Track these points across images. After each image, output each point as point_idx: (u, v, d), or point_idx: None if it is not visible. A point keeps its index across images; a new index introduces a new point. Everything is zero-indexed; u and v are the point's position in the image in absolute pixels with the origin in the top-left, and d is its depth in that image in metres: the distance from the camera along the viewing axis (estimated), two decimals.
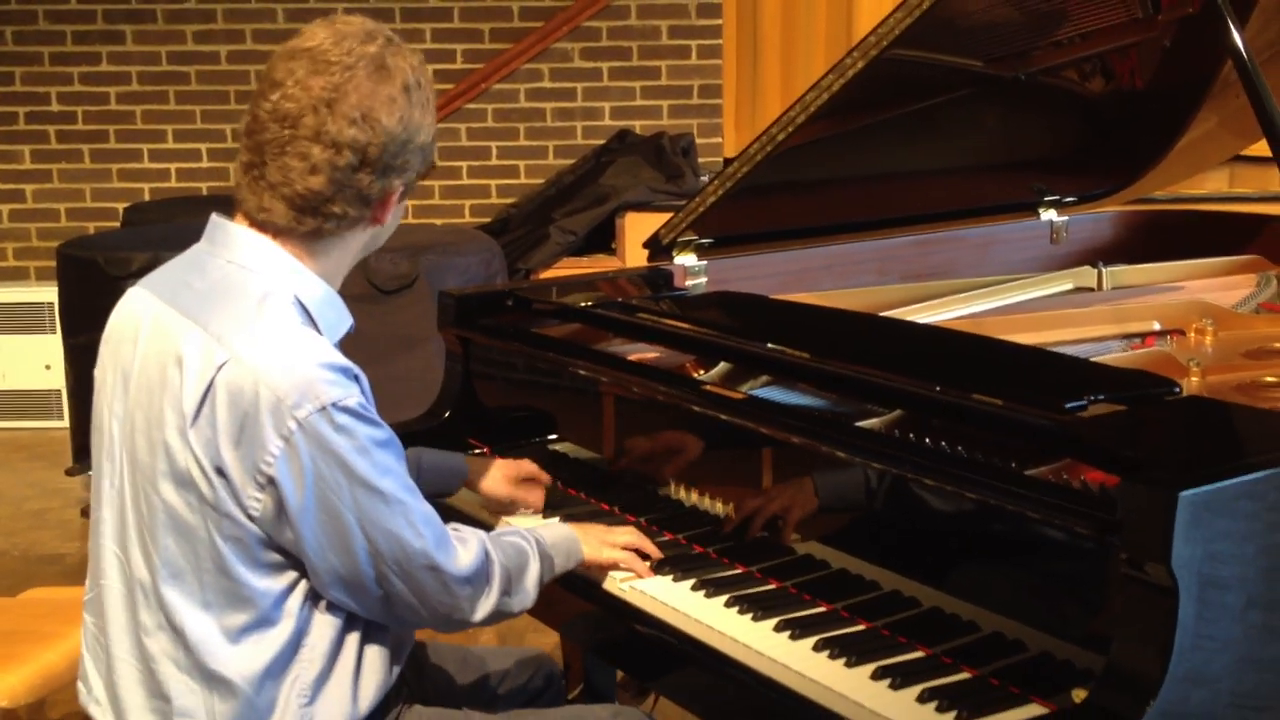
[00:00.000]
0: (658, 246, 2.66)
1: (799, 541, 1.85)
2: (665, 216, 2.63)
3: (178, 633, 1.58)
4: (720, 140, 5.83)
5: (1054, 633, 1.54)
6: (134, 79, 5.77)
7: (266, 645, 1.58)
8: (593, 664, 2.52)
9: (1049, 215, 3.15)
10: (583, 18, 5.64)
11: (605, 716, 1.84)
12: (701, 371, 2.15)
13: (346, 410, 1.53)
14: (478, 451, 2.38)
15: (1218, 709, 1.41)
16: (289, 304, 1.59)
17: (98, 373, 1.70)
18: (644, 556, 1.88)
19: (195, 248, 1.68)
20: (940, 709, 1.48)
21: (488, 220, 5.60)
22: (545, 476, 2.14)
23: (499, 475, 2.10)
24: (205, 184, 5.79)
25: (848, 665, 1.60)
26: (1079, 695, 1.44)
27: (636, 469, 2.14)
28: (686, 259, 2.65)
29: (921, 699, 1.51)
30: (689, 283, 2.64)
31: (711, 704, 1.74)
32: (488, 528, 1.87)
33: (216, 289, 1.60)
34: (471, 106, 5.75)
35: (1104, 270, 2.94)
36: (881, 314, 2.55)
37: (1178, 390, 1.70)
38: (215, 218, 1.67)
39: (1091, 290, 2.93)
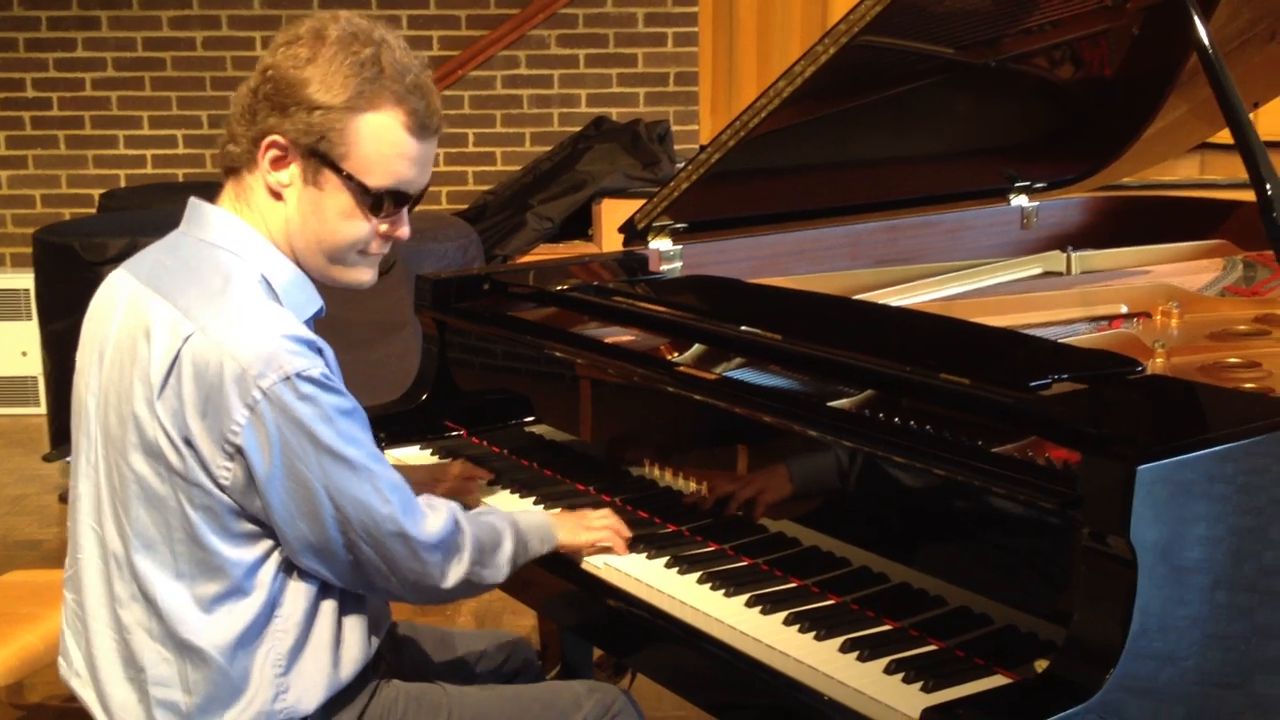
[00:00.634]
0: (633, 231, 2.68)
1: (771, 520, 1.88)
2: (641, 203, 2.66)
3: (151, 603, 1.62)
4: (696, 127, 5.86)
5: (1019, 606, 1.57)
6: (109, 65, 5.76)
7: (239, 615, 1.61)
8: (570, 644, 2.55)
9: (1019, 201, 3.19)
10: (559, 5, 5.65)
11: (580, 692, 1.86)
12: (676, 354, 2.18)
13: (310, 380, 1.56)
14: (454, 434, 2.41)
15: (1185, 685, 1.44)
16: (255, 281, 1.63)
17: (78, 354, 1.73)
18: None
19: (175, 230, 1.72)
20: (907, 679, 1.52)
21: (465, 207, 5.62)
22: (482, 473, 2.18)
23: (437, 476, 2.13)
24: (181, 170, 5.79)
25: (817, 638, 1.63)
26: (1041, 666, 1.48)
27: (611, 450, 2.17)
28: (661, 244, 2.68)
29: (889, 670, 1.54)
30: (664, 267, 2.66)
31: (685, 678, 1.76)
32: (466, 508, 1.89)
33: (187, 265, 1.65)
34: (448, 93, 5.75)
35: (1073, 255, 2.98)
36: (853, 297, 2.58)
37: (1141, 369, 1.74)
38: (194, 200, 1.71)
39: (1060, 275, 2.97)
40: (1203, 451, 1.40)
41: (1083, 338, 2.32)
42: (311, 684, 1.65)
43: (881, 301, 2.61)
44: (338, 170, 1.63)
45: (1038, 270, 2.98)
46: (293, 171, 1.64)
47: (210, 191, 1.73)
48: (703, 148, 2.54)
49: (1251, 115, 2.34)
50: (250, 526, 1.61)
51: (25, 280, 5.24)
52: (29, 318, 5.34)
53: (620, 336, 2.29)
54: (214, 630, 1.60)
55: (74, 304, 1.81)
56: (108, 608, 1.66)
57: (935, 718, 1.39)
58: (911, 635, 1.63)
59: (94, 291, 1.75)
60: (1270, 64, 2.97)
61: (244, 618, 1.61)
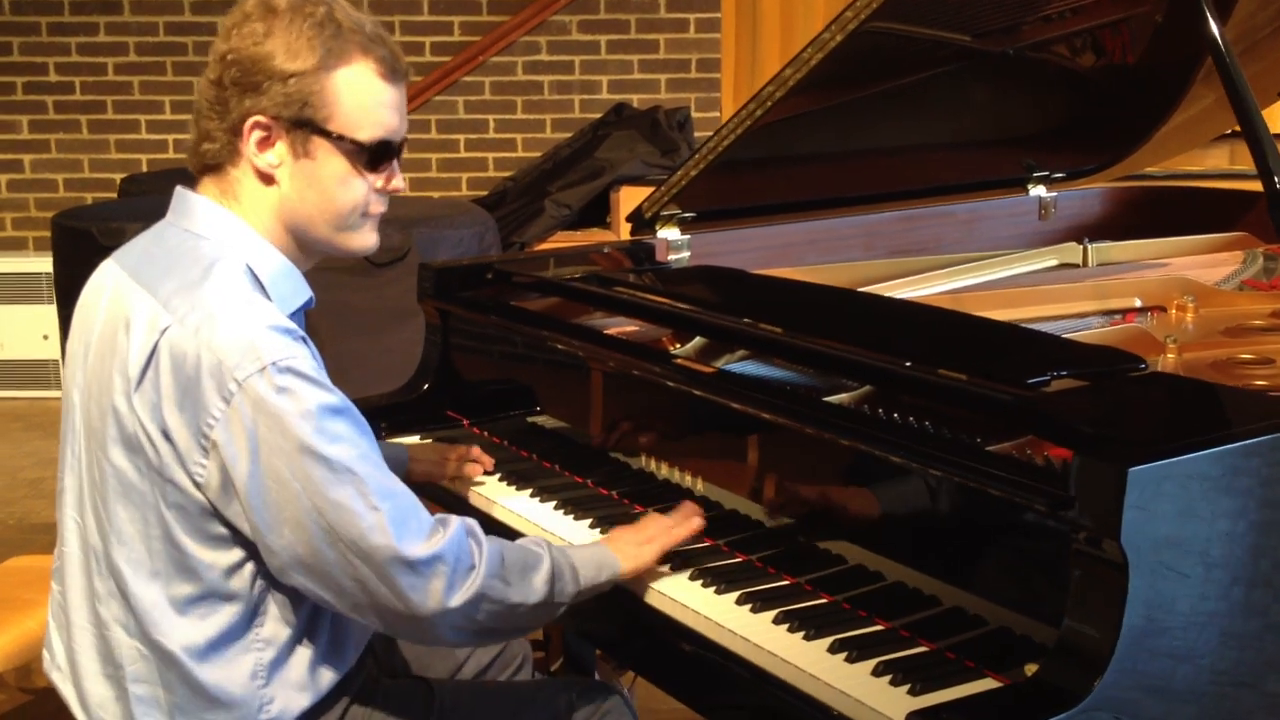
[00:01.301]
0: (640, 220, 2.65)
1: (765, 516, 1.85)
2: None
3: (127, 600, 1.58)
4: (718, 114, 5.82)
5: (1013, 608, 1.54)
6: (131, 50, 5.77)
7: (214, 620, 1.57)
8: (573, 637, 2.53)
9: (1038, 191, 3.14)
10: None
11: (572, 690, 1.84)
12: (677, 346, 2.15)
13: (289, 370, 1.50)
14: (455, 424, 2.39)
15: (1200, 684, 1.42)
16: (238, 271, 1.58)
17: (68, 344, 1.71)
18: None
19: (162, 220, 1.69)
20: (894, 681, 1.49)
21: (485, 194, 5.60)
22: (487, 460, 2.16)
23: (438, 457, 2.12)
24: None
25: (806, 638, 1.60)
26: (1032, 670, 1.44)
27: (610, 443, 2.15)
28: (669, 233, 2.65)
29: (876, 671, 1.51)
30: (671, 257, 2.63)
31: (673, 676, 1.74)
32: (502, 530, 1.82)
33: (170, 255, 1.61)
34: (469, 79, 5.74)
35: (1089, 247, 2.93)
36: (862, 289, 2.55)
37: (1143, 366, 1.70)
38: (179, 189, 1.67)
39: (1076, 266, 2.92)
40: (1197, 453, 1.36)
41: (1094, 332, 2.28)
42: (294, 695, 1.61)
43: (892, 293, 2.58)
44: (326, 134, 1.60)
45: (1053, 262, 2.94)
46: (280, 150, 1.60)
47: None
48: (710, 136, 2.51)
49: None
50: (223, 529, 1.55)
51: (47, 264, 5.25)
52: (51, 301, 5.37)
53: (622, 327, 2.27)
54: (186, 633, 1.56)
55: None
56: (88, 602, 1.64)
57: None
58: (902, 636, 1.60)
59: None
60: None
61: (219, 623, 1.57)
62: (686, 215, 2.64)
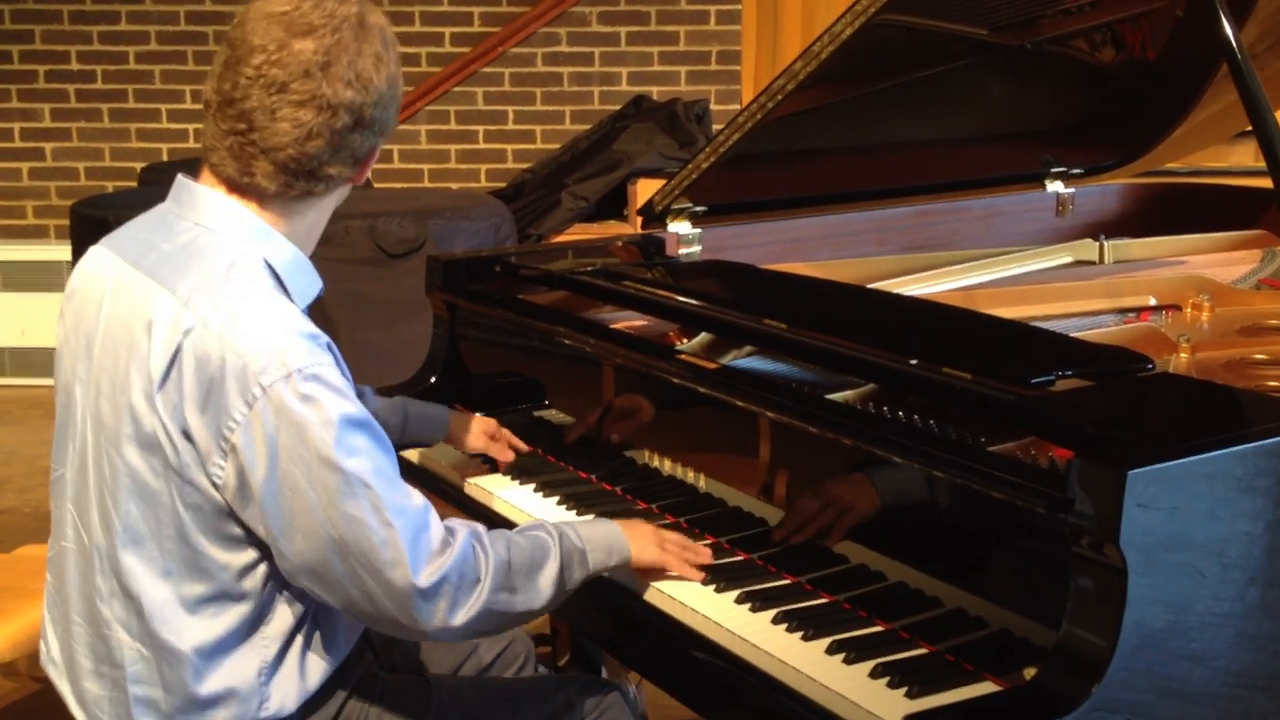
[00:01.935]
0: (651, 213, 2.64)
1: (768, 514, 1.83)
2: None
3: (132, 599, 1.57)
4: (738, 107, 5.78)
5: (1014, 610, 1.52)
6: (153, 38, 5.79)
7: (224, 619, 1.56)
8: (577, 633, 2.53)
9: (1055, 187, 3.11)
10: None
11: (572, 687, 1.83)
12: (683, 341, 2.14)
13: (315, 379, 1.48)
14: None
15: (1215, 687, 1.40)
16: (259, 268, 1.56)
17: (59, 331, 1.69)
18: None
19: (160, 208, 1.65)
20: (891, 684, 1.47)
21: (503, 185, 5.59)
22: (520, 444, 2.15)
23: (476, 429, 2.12)
24: None
25: (805, 638, 1.59)
26: (1030, 674, 1.43)
27: (614, 437, 2.13)
28: (680, 226, 2.63)
29: (874, 673, 1.50)
30: (682, 251, 2.62)
31: (672, 675, 1.73)
32: (505, 525, 1.83)
33: (184, 252, 1.57)
34: (488, 70, 5.73)
35: (1106, 244, 2.91)
36: (872, 285, 2.53)
37: (1150, 367, 1.68)
38: (181, 178, 1.64)
39: (1093, 264, 2.89)
40: (1199, 456, 1.34)
41: (1106, 331, 2.25)
42: (289, 691, 1.60)
43: (904, 289, 2.56)
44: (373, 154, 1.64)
45: (1069, 259, 2.91)
46: None
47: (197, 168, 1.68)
48: (721, 130, 2.49)
49: None
50: (238, 530, 1.54)
51: (68, 252, 5.26)
52: None
53: (632, 321, 2.25)
54: (196, 632, 1.55)
55: None
56: (85, 599, 1.63)
57: None
58: (902, 637, 1.58)
59: None
60: None
61: (228, 622, 1.56)
62: (698, 209, 2.63)
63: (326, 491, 1.47)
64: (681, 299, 2.18)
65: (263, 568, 1.56)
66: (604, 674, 2.45)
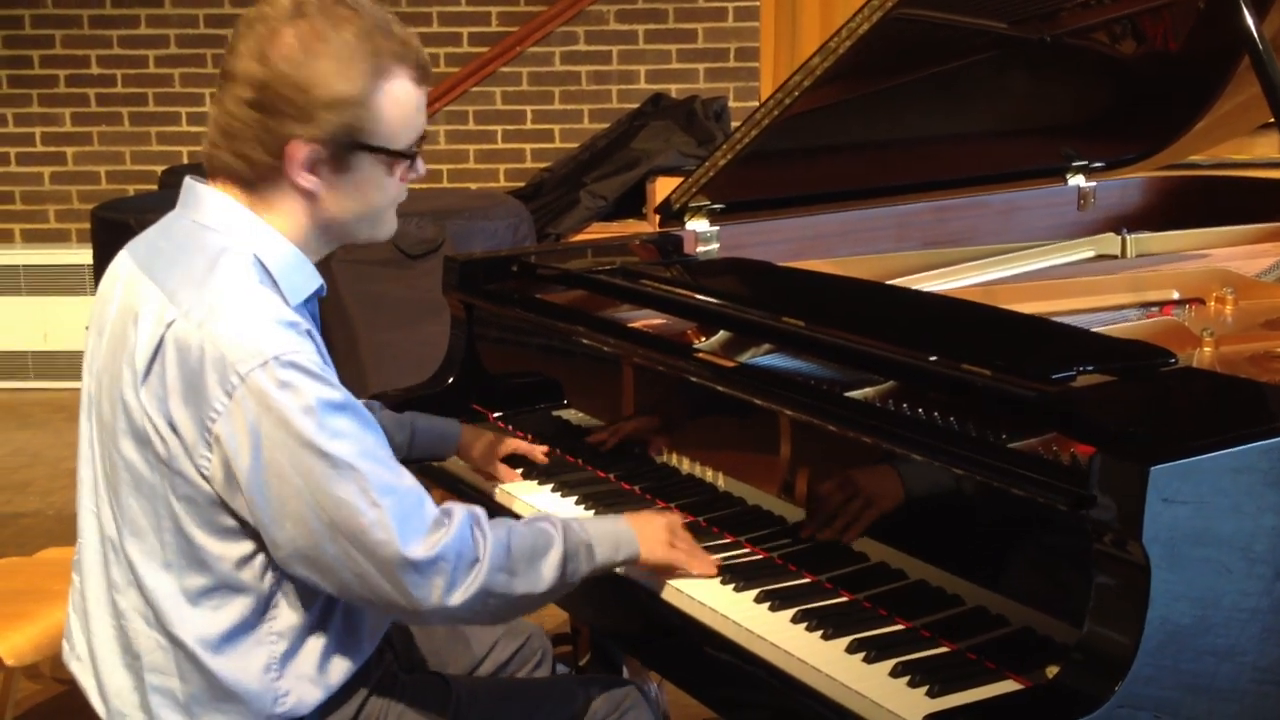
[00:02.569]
0: (669, 212, 2.63)
1: (787, 512, 1.82)
2: None
3: (143, 590, 1.59)
4: (757, 104, 5.76)
5: (1036, 608, 1.51)
6: (172, 42, 5.81)
7: (227, 611, 1.56)
8: (598, 633, 2.52)
9: (1077, 181, 3.09)
10: None
11: (591, 687, 1.82)
12: (702, 339, 2.13)
13: (292, 365, 1.48)
14: (494, 416, 2.37)
15: (1242, 683, 1.39)
16: (246, 262, 1.57)
17: (87, 336, 1.71)
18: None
19: (172, 210, 1.68)
20: (912, 683, 1.46)
21: (522, 185, 5.59)
22: (538, 455, 2.14)
23: (485, 447, 2.11)
24: None
25: (824, 638, 1.57)
26: (1053, 672, 1.41)
27: (633, 437, 2.13)
28: (698, 224, 2.62)
29: (894, 673, 1.48)
30: (700, 249, 2.61)
31: (692, 674, 1.72)
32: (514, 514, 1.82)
33: (179, 249, 1.60)
34: (506, 70, 5.72)
35: (1128, 237, 2.88)
36: (892, 281, 2.51)
37: (1173, 361, 1.66)
38: (188, 180, 1.66)
39: (1115, 258, 2.87)
40: (1220, 451, 1.32)
41: (1129, 325, 2.23)
42: (308, 688, 1.60)
43: (924, 286, 2.54)
44: (370, 149, 1.59)
45: (1091, 253, 2.89)
46: (323, 169, 1.58)
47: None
48: (738, 127, 2.48)
49: None
50: (234, 522, 1.55)
51: (89, 256, 5.29)
52: (93, 293, 5.40)
53: (650, 320, 2.25)
54: (199, 624, 1.56)
55: None
56: (105, 593, 1.64)
57: None
58: (923, 636, 1.57)
59: None
60: None
61: (231, 615, 1.56)
62: (716, 206, 2.61)
63: (312, 476, 1.48)
64: (700, 297, 2.17)
65: (260, 559, 1.57)
66: (625, 674, 2.44)
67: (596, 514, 1.99)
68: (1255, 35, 2.24)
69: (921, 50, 2.59)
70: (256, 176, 1.59)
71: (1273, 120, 3.44)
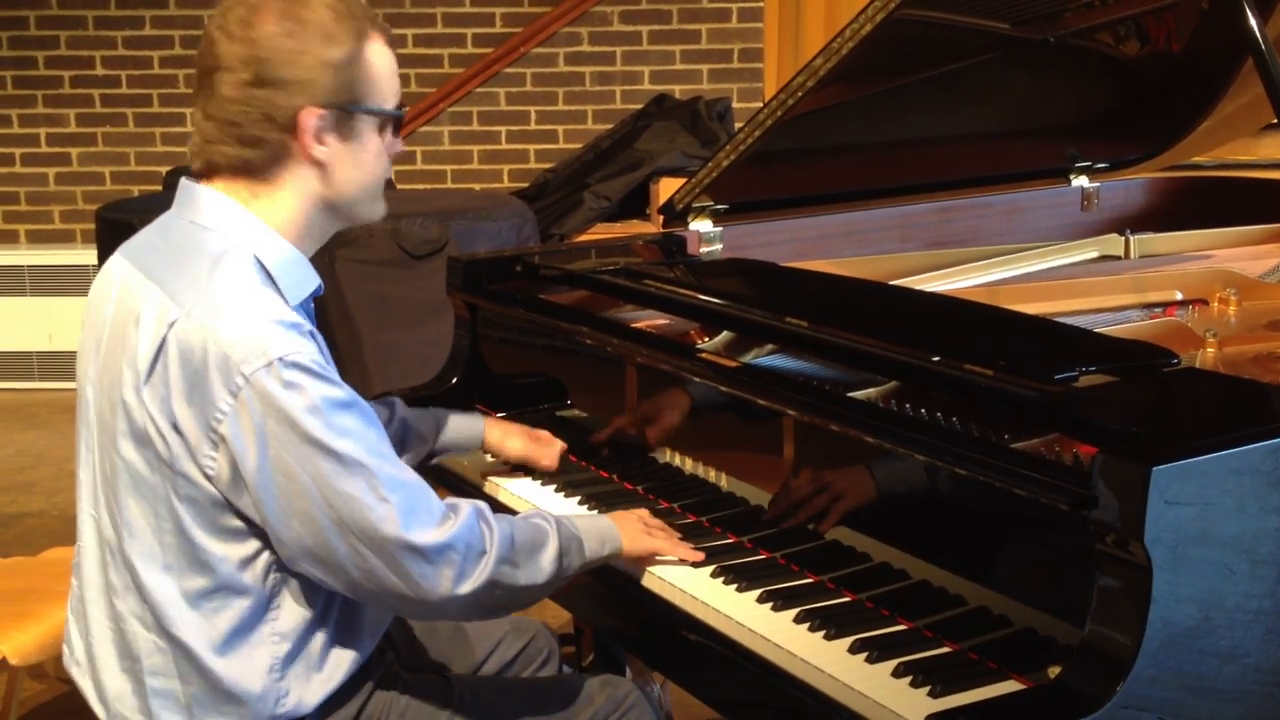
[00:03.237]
0: (672, 212, 2.63)
1: (791, 513, 1.82)
2: None
3: (142, 593, 1.58)
4: (761, 105, 5.76)
5: (1038, 608, 1.51)
6: (176, 43, 5.82)
7: (228, 613, 1.56)
8: (601, 634, 2.52)
9: (1080, 182, 3.09)
10: None
11: (593, 686, 1.82)
12: (705, 339, 2.13)
13: (296, 365, 1.49)
14: (498, 416, 2.38)
15: (1246, 684, 1.39)
16: (246, 262, 1.57)
17: (80, 338, 1.71)
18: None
19: (168, 211, 1.68)
20: (914, 683, 1.46)
21: (526, 185, 5.59)
22: (560, 444, 2.15)
23: (515, 433, 2.12)
24: None
25: (827, 638, 1.58)
26: (1054, 672, 1.41)
27: (636, 437, 2.13)
28: (701, 225, 2.63)
29: (896, 673, 1.48)
30: (703, 249, 2.61)
31: (694, 674, 1.72)
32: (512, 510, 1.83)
33: (178, 249, 1.60)
34: (510, 71, 5.73)
35: (1132, 238, 2.88)
36: (895, 282, 2.51)
37: (1176, 361, 1.66)
38: (184, 180, 1.66)
39: (1118, 258, 2.87)
40: (1225, 451, 1.32)
41: (1131, 326, 2.23)
42: (309, 687, 1.60)
43: (927, 286, 2.54)
44: (370, 111, 1.62)
45: (1094, 254, 2.89)
46: (331, 138, 1.60)
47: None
48: (741, 127, 2.48)
49: None
50: (237, 523, 1.55)
51: (94, 256, 5.28)
52: None
53: (654, 320, 2.25)
54: (200, 626, 1.56)
55: None
56: (104, 596, 1.64)
57: None
58: (925, 636, 1.57)
59: None
60: None
61: (231, 617, 1.57)
62: (719, 207, 2.62)
63: (320, 474, 1.49)
64: (703, 297, 2.17)
65: (262, 560, 1.57)
66: (628, 674, 2.44)
67: (599, 514, 1.99)
68: (1259, 36, 2.24)
69: (925, 51, 2.59)
70: (266, 159, 1.59)
71: (1276, 121, 3.46)
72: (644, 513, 1.86)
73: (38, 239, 6.00)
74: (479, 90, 5.73)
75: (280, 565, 1.57)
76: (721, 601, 1.68)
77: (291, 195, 1.62)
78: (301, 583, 1.59)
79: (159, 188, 5.63)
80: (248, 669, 1.58)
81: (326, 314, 1.75)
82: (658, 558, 1.78)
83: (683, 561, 1.78)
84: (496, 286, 2.42)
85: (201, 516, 1.55)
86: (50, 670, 3.04)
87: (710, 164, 2.52)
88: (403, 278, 4.10)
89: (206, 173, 1.62)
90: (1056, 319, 2.19)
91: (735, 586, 1.72)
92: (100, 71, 5.86)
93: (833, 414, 1.72)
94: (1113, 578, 1.34)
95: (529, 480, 2.14)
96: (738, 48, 5.74)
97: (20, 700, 2.76)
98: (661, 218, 2.68)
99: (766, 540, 1.83)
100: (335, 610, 1.63)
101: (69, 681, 2.86)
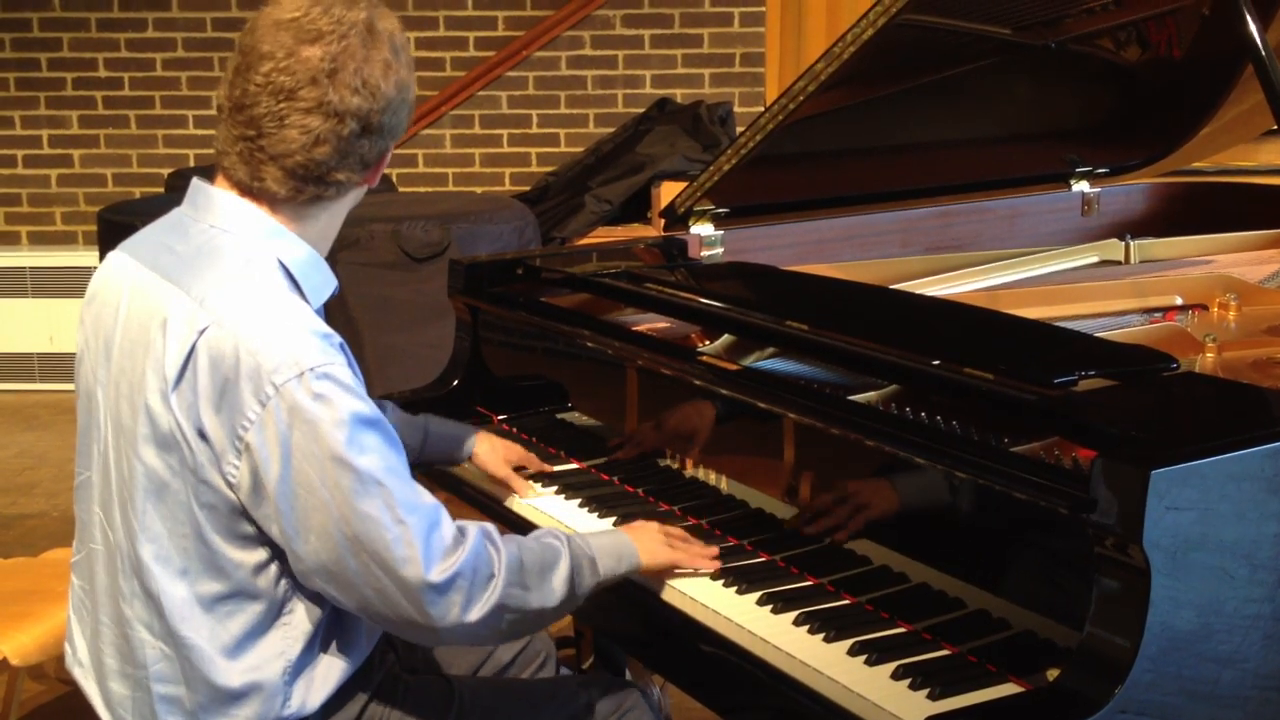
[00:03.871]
0: (673, 215, 2.64)
1: (791, 516, 1.83)
2: None
3: (153, 599, 1.58)
4: (762, 109, 5.77)
5: (1037, 611, 1.51)
6: (179, 45, 5.83)
7: (242, 618, 1.56)
8: (601, 636, 2.52)
9: (1081, 186, 3.09)
10: None
11: (592, 688, 1.83)
12: (705, 342, 2.13)
13: (326, 377, 1.49)
14: (499, 419, 2.38)
15: (1244, 689, 1.40)
16: (273, 268, 1.57)
17: (79, 336, 1.70)
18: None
19: (176, 211, 1.66)
20: (913, 686, 1.46)
21: (527, 189, 5.60)
22: (541, 465, 2.15)
23: (499, 454, 2.11)
24: None
25: (826, 640, 1.58)
26: (1053, 675, 1.42)
27: (637, 439, 2.13)
28: (703, 228, 2.63)
29: (895, 675, 1.49)
30: (704, 253, 2.62)
31: (693, 677, 1.72)
32: (525, 526, 1.82)
33: (199, 253, 1.58)
34: (513, 74, 5.74)
35: (1132, 243, 2.89)
36: (895, 286, 2.52)
37: (1175, 366, 1.66)
38: (196, 181, 1.65)
39: (1118, 263, 2.87)
40: (1222, 456, 1.33)
41: (1131, 331, 2.24)
42: (312, 689, 1.60)
43: (927, 290, 2.55)
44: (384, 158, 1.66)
45: (1094, 259, 2.89)
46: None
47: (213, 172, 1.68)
48: (742, 131, 2.49)
49: None
50: (253, 529, 1.55)
51: (96, 258, 5.31)
52: None
53: (655, 324, 2.25)
54: (213, 630, 1.56)
55: None
56: (112, 600, 1.64)
57: None
58: (925, 639, 1.58)
59: None
60: None
61: (244, 621, 1.56)
62: (720, 211, 2.62)
63: (340, 490, 1.48)
64: (704, 301, 2.18)
65: (275, 566, 1.57)
66: (628, 676, 2.44)
67: (600, 517, 1.99)
68: (1259, 42, 2.25)
69: (926, 56, 2.60)
70: (332, 195, 1.62)
71: (1277, 127, 3.47)
72: (660, 524, 1.82)
73: (39, 240, 6.01)
74: (481, 93, 5.74)
75: (291, 571, 1.57)
76: (721, 604, 1.69)
77: (325, 212, 1.64)
78: (315, 594, 1.58)
79: (161, 189, 5.64)
80: (255, 672, 1.57)
81: (327, 316, 1.74)
82: (684, 573, 1.75)
83: (698, 572, 1.76)
84: (498, 289, 2.43)
85: (220, 523, 1.54)
86: (50, 671, 3.05)
87: (712, 168, 2.53)
88: (404, 280, 4.11)
89: (237, 187, 1.61)
90: (1056, 323, 2.19)
91: (735, 589, 1.72)
92: (103, 73, 5.87)
93: (833, 417, 1.72)
94: (1111, 581, 1.35)
95: (534, 484, 2.13)
96: (739, 52, 5.75)
97: (20, 701, 2.77)
98: (663, 221, 2.69)
99: (766, 543, 1.83)
100: (341, 613, 1.63)
101: (69, 682, 2.87)
